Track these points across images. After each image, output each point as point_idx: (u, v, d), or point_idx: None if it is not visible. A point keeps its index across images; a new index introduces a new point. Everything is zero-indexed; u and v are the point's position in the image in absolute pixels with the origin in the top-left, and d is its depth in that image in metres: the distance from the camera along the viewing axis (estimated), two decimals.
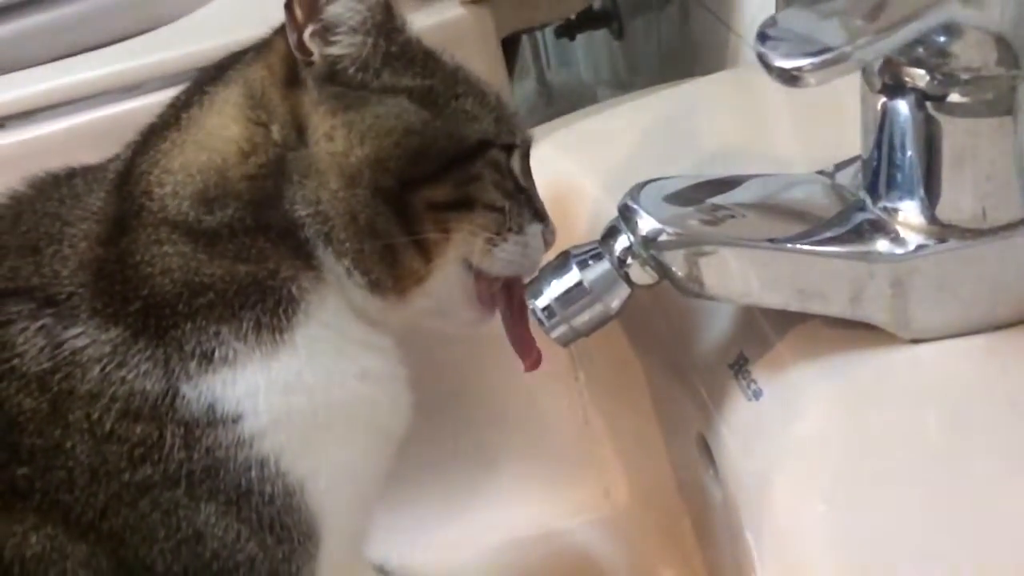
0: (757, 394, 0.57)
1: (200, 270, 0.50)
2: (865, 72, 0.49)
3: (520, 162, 0.59)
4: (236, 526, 0.48)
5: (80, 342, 0.47)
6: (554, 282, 0.54)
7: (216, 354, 0.48)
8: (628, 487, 0.79)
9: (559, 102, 1.95)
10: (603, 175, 0.76)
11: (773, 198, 0.53)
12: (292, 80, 0.53)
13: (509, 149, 0.57)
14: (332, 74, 0.53)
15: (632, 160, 0.76)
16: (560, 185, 0.78)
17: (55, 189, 0.55)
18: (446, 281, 0.55)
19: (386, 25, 0.54)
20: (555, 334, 0.54)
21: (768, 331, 0.58)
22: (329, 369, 0.51)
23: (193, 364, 0.48)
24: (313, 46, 0.52)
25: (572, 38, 1.75)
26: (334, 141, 0.52)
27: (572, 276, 0.53)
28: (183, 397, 0.48)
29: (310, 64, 0.53)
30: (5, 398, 0.47)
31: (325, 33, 0.52)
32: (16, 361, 0.47)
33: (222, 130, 0.53)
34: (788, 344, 0.57)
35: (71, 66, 1.10)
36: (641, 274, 0.53)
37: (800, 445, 0.53)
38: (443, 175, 0.54)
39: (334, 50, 0.53)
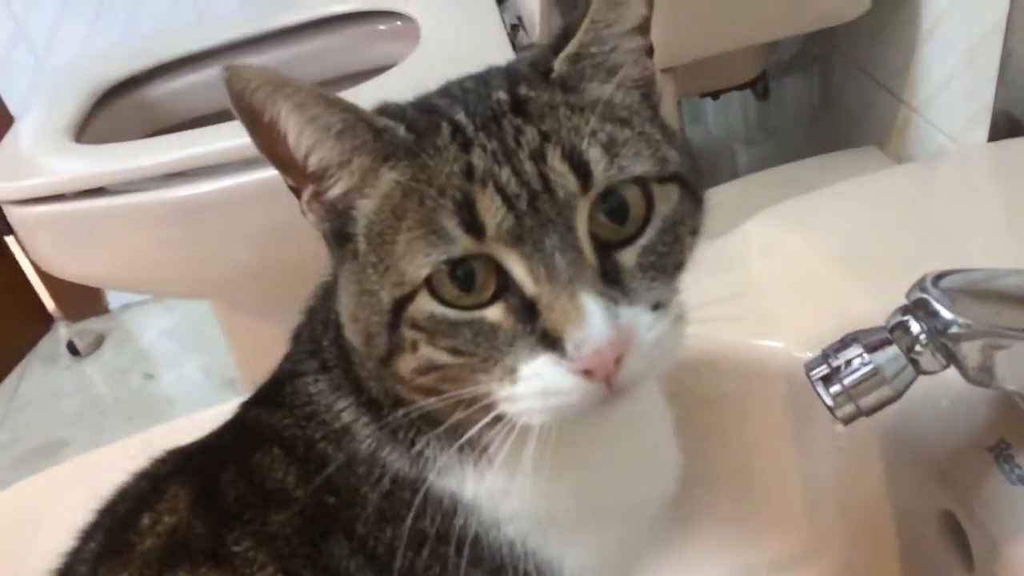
0: (1023, 479, 0.59)
1: (387, 385, 0.51)
2: None
3: (526, 258, 0.43)
4: None
5: (348, 416, 0.53)
6: (843, 364, 0.56)
7: (435, 462, 0.51)
8: (845, 560, 0.81)
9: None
10: (840, 256, 0.78)
11: None
12: None
13: (484, 259, 0.44)
14: (336, 233, 0.49)
15: (870, 242, 0.79)
16: (791, 266, 0.82)
17: None
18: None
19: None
20: (841, 413, 0.57)
21: None
22: (539, 481, 0.49)
23: (427, 463, 0.52)
24: (311, 214, 0.49)
25: (716, 97, 1.79)
26: None
27: (863, 360, 0.56)
28: (431, 484, 0.51)
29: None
30: (315, 440, 0.53)
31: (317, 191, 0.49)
32: (313, 408, 0.54)
33: None
34: None
35: None
36: (931, 362, 0.55)
37: None
38: (395, 348, 0.47)
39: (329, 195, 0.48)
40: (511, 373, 0.44)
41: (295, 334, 0.58)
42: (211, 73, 1.60)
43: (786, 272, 0.82)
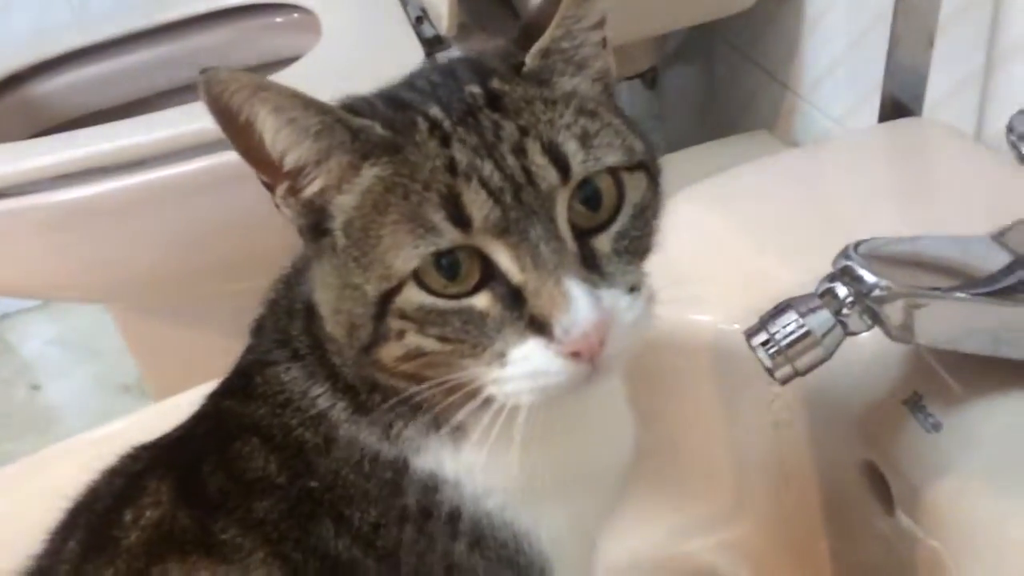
0: (936, 427, 0.65)
1: (365, 372, 0.52)
2: None
3: (512, 248, 0.45)
4: (483, 563, 0.54)
5: (324, 402, 0.54)
6: (780, 329, 0.61)
7: (414, 442, 0.53)
8: (772, 513, 0.86)
9: None
10: (754, 232, 0.84)
11: (969, 255, 0.61)
12: None
13: (467, 249, 0.46)
14: (312, 227, 0.50)
15: (779, 218, 0.84)
16: (708, 244, 0.86)
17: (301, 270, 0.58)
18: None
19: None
20: (779, 374, 0.62)
21: (941, 371, 0.66)
22: (511, 455, 0.51)
23: (406, 444, 0.53)
24: (286, 208, 0.50)
25: None
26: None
27: (798, 323, 0.60)
28: (412, 463, 0.53)
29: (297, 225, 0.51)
30: (292, 427, 0.54)
31: (294, 187, 0.49)
32: (287, 396, 0.54)
33: None
34: (963, 382, 0.65)
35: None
36: (858, 323, 0.60)
37: (989, 469, 0.61)
38: (380, 337, 0.48)
39: (306, 193, 0.49)
40: (500, 357, 0.46)
41: (257, 326, 0.58)
42: (96, 69, 1.55)
43: (704, 250, 0.87)
